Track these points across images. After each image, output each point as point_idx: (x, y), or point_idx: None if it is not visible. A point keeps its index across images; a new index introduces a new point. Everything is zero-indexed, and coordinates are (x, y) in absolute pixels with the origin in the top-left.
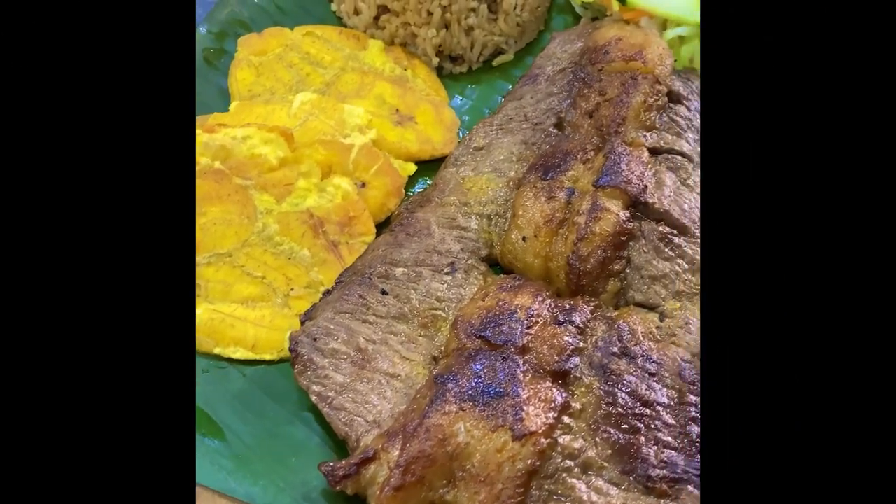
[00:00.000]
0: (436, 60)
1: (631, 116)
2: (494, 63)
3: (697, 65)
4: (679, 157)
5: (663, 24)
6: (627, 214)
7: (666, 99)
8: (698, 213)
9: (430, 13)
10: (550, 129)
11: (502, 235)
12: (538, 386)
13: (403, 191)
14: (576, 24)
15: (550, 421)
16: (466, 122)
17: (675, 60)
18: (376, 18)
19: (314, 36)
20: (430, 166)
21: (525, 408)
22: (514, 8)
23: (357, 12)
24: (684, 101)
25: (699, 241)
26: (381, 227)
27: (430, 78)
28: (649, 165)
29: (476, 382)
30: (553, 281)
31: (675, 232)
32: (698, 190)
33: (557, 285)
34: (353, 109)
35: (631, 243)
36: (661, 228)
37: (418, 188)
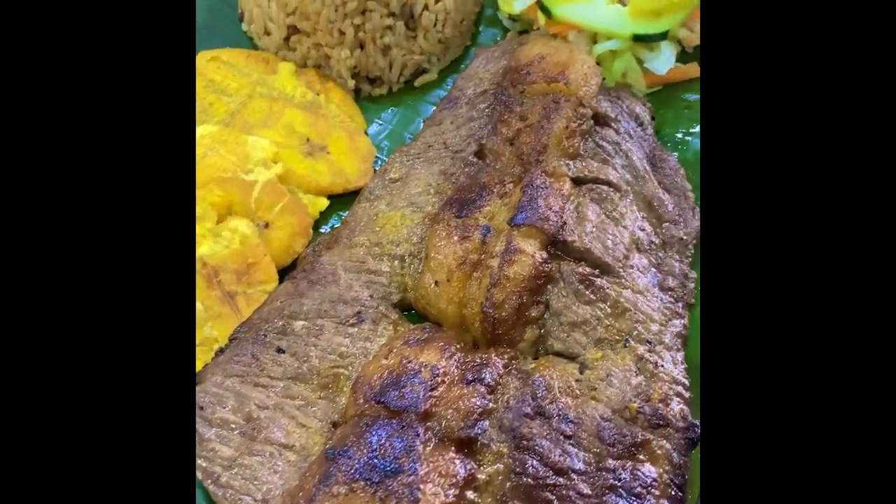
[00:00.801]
0: (352, 83)
1: (552, 144)
2: (416, 83)
3: (631, 79)
4: (604, 188)
5: (593, 38)
6: (544, 256)
7: (591, 123)
8: (623, 249)
9: (342, 33)
10: (471, 159)
11: (417, 277)
12: (440, 458)
13: (311, 230)
14: (504, 38)
15: (450, 500)
16: (386, 149)
17: (605, 78)
18: (287, 39)
19: (220, 61)
20: (344, 200)
21: (422, 486)
22: (435, 24)
23: (267, 32)
24: (612, 124)
25: (623, 280)
26: (289, 270)
27: (345, 103)
28: (571, 198)
29: (370, 457)
30: (469, 328)
31: (596, 272)
32: (625, 222)
33: (473, 333)
34: (257, 142)
35: (549, 286)
36: (580, 269)
37: (333, 223)
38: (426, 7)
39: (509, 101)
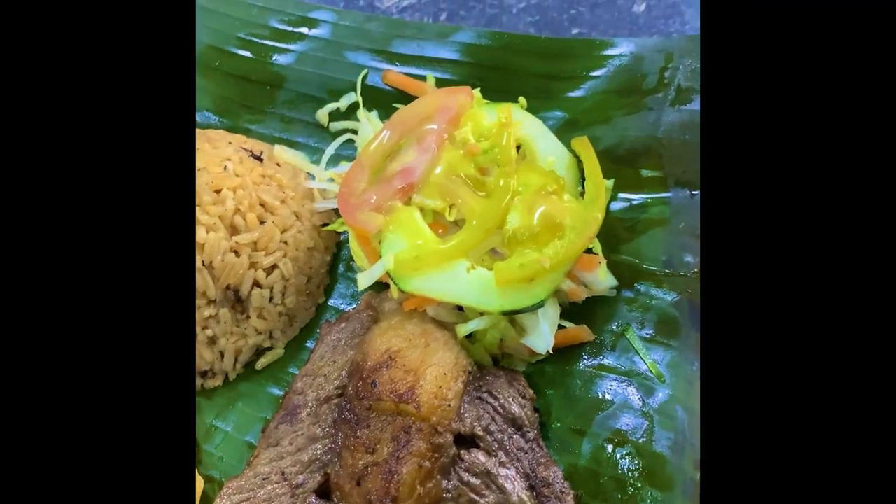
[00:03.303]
0: None
1: (403, 495)
2: (258, 366)
3: (510, 348)
4: None
5: (459, 308)
6: None
7: (453, 450)
8: None
9: None
10: (312, 501)
11: None
12: None
13: None
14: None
15: None
16: (221, 467)
17: (471, 371)
18: None
19: None
20: None
21: None
22: (271, 299)
23: None
24: (480, 443)
25: None
26: None
27: None
28: None
29: None
30: None
31: None
32: None
33: None
34: None
35: None
36: None
37: None
38: (256, 283)
39: (355, 420)
